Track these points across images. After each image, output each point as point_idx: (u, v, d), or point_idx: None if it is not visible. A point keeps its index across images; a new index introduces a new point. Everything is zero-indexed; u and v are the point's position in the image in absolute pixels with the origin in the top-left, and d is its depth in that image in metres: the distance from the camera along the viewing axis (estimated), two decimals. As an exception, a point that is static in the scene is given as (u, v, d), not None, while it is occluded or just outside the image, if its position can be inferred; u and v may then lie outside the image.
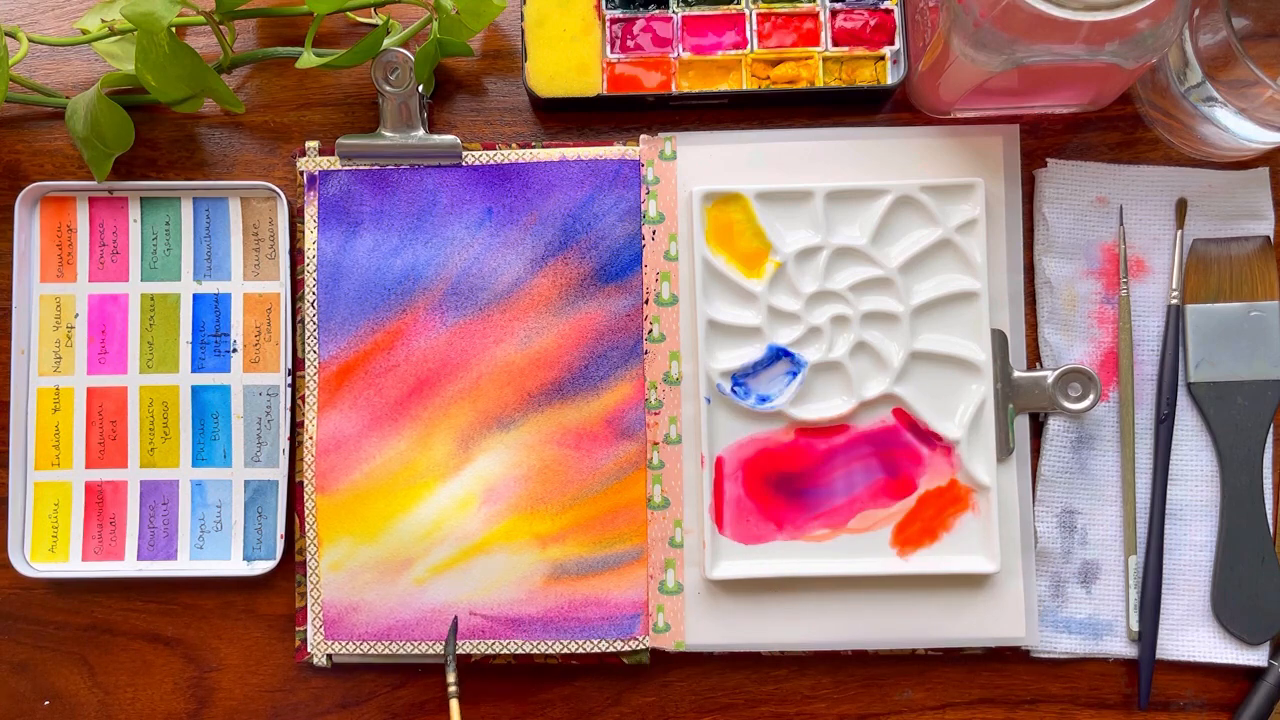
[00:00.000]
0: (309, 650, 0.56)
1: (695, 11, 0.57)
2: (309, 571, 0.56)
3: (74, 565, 0.58)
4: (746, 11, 0.57)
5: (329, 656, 0.56)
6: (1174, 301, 0.56)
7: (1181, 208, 0.57)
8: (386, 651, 0.56)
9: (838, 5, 0.57)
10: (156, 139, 0.60)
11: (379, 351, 0.57)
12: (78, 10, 0.60)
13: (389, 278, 0.57)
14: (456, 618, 0.55)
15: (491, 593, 0.56)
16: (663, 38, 0.57)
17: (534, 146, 0.58)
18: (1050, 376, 0.56)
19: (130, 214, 0.59)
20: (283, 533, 0.57)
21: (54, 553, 0.58)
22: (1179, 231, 0.57)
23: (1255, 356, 0.56)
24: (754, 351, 0.56)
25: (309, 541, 0.56)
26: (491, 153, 0.58)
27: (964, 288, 0.56)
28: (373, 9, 0.58)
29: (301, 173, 0.58)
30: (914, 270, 0.56)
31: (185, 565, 0.58)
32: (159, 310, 0.59)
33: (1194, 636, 0.56)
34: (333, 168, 0.58)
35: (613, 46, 0.57)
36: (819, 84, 0.57)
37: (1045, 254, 0.57)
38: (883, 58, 0.57)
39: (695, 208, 0.56)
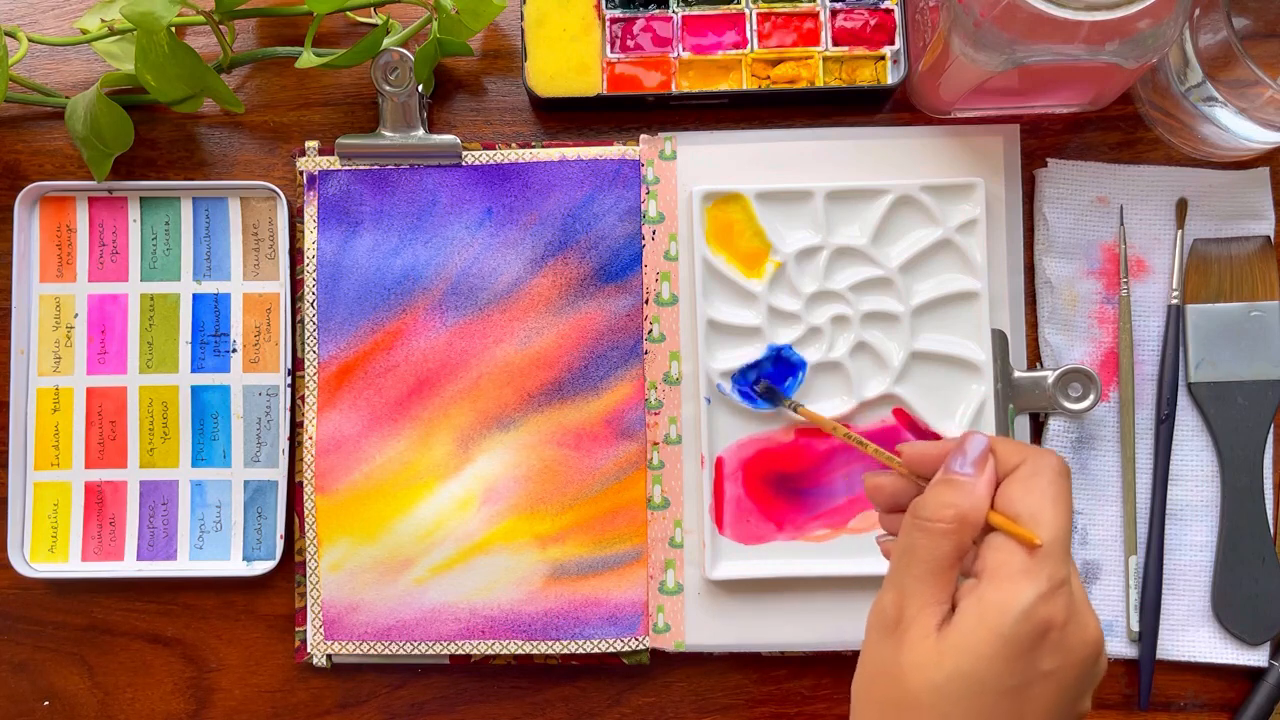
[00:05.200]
0: (309, 650, 0.56)
1: (695, 11, 0.57)
2: (308, 572, 0.56)
3: (73, 565, 0.58)
4: (746, 11, 0.57)
5: (329, 657, 0.56)
6: (1174, 301, 0.56)
7: (1182, 208, 0.57)
8: (386, 652, 0.56)
9: (838, 5, 0.57)
10: (156, 139, 0.60)
11: (379, 351, 0.57)
12: (77, 10, 0.60)
13: (389, 278, 0.57)
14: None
15: (491, 593, 0.56)
16: (663, 37, 0.57)
17: (534, 146, 0.58)
18: (1050, 377, 0.56)
19: (130, 214, 0.59)
20: (282, 533, 0.57)
21: (53, 553, 0.58)
22: (1179, 231, 0.57)
23: (1255, 357, 0.56)
24: (754, 351, 0.56)
25: (308, 542, 0.56)
26: (491, 153, 0.58)
27: (964, 288, 0.56)
28: (373, 9, 0.58)
29: (301, 172, 0.58)
30: (914, 270, 0.56)
31: (185, 565, 0.58)
32: (158, 310, 0.59)
33: (1194, 636, 0.56)
34: (332, 167, 0.58)
35: (613, 46, 0.57)
36: (819, 84, 0.57)
37: (1045, 254, 0.57)
38: (883, 57, 0.57)
39: (695, 208, 0.56)
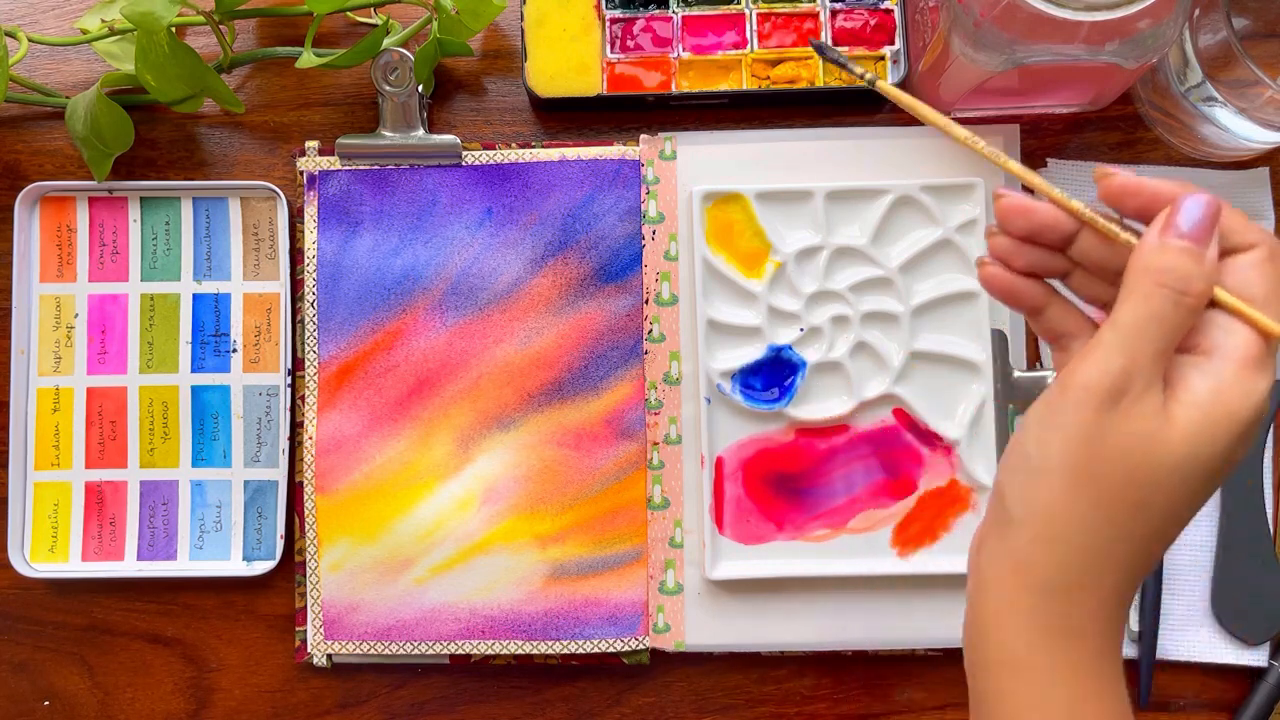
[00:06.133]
0: (309, 650, 0.56)
1: (695, 11, 0.57)
2: (309, 572, 0.56)
3: (74, 565, 0.58)
4: (746, 11, 0.57)
5: (329, 657, 0.56)
6: (1174, 301, 0.56)
7: (1182, 208, 0.57)
8: (386, 651, 0.56)
9: (838, 5, 0.57)
10: (156, 139, 0.60)
11: (379, 351, 0.57)
12: (78, 10, 0.60)
13: (389, 278, 0.57)
14: None
15: (491, 593, 0.56)
16: (663, 38, 0.57)
17: (534, 146, 0.58)
18: (1050, 377, 0.56)
19: (130, 214, 0.59)
20: (282, 533, 0.57)
21: (54, 553, 0.58)
22: (1179, 231, 0.57)
23: (1255, 356, 0.55)
24: (754, 351, 0.56)
25: (309, 542, 0.56)
26: (491, 153, 0.58)
27: (964, 288, 0.56)
28: (373, 9, 0.58)
29: (301, 172, 0.58)
30: (914, 270, 0.56)
31: (185, 565, 0.58)
32: (159, 310, 0.59)
33: (1194, 636, 0.56)
34: (333, 168, 0.58)
35: (613, 46, 0.57)
36: (819, 84, 0.57)
37: (1045, 254, 0.57)
38: (883, 58, 0.57)
39: (695, 208, 0.56)
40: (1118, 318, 0.36)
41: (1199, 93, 0.52)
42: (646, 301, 0.57)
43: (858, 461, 0.56)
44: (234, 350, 0.58)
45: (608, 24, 0.57)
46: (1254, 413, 0.35)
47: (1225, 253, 0.36)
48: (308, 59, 0.55)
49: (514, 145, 0.58)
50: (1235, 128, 0.53)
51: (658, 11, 0.57)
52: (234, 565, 0.58)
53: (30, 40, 0.57)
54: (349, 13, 0.57)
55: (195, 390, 0.58)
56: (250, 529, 0.58)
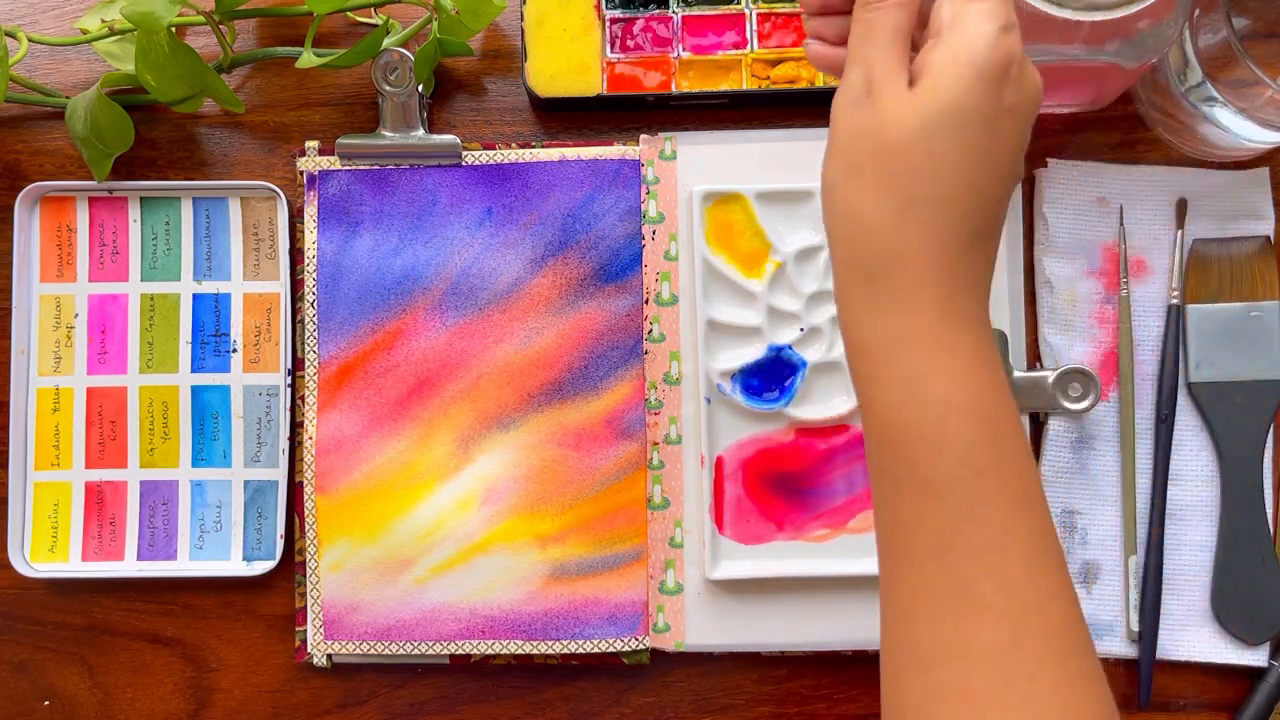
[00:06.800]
0: (309, 650, 0.56)
1: (695, 11, 0.57)
2: (309, 572, 0.56)
3: (74, 565, 0.58)
4: (746, 11, 0.57)
5: (329, 657, 0.56)
6: (1174, 301, 0.56)
7: (1181, 208, 0.57)
8: (386, 651, 0.56)
9: (838, 5, 0.57)
10: (156, 139, 0.60)
11: (379, 351, 0.57)
12: (78, 10, 0.60)
13: (389, 278, 0.57)
14: None
15: (491, 593, 0.56)
16: (663, 38, 0.57)
17: (534, 146, 0.58)
18: (1050, 377, 0.56)
19: (130, 214, 0.59)
20: (282, 533, 0.57)
21: (54, 553, 0.58)
22: (1179, 231, 0.57)
23: (1255, 356, 0.56)
24: (754, 351, 0.56)
25: (309, 542, 0.56)
26: (491, 153, 0.58)
27: (964, 288, 0.55)
28: (373, 9, 0.58)
29: (301, 172, 0.58)
30: (914, 270, 0.56)
31: (185, 565, 0.58)
32: (159, 310, 0.59)
33: (1194, 636, 0.56)
34: (333, 167, 0.58)
35: (613, 46, 0.57)
36: (819, 84, 0.57)
37: (1045, 254, 0.57)
38: (883, 58, 0.57)
39: (695, 208, 0.56)
40: (848, 41, 0.40)
41: (1199, 93, 0.52)
42: (646, 301, 0.57)
43: (858, 461, 0.56)
44: (234, 350, 0.58)
45: (608, 24, 0.58)
46: (985, 51, 0.37)
47: None
48: (308, 59, 0.55)
49: (514, 145, 0.58)
50: (1235, 128, 0.53)
51: (658, 11, 0.57)
52: (234, 565, 0.58)
53: (30, 40, 0.57)
54: (349, 13, 0.57)
55: (195, 390, 0.58)
56: (250, 529, 0.58)
